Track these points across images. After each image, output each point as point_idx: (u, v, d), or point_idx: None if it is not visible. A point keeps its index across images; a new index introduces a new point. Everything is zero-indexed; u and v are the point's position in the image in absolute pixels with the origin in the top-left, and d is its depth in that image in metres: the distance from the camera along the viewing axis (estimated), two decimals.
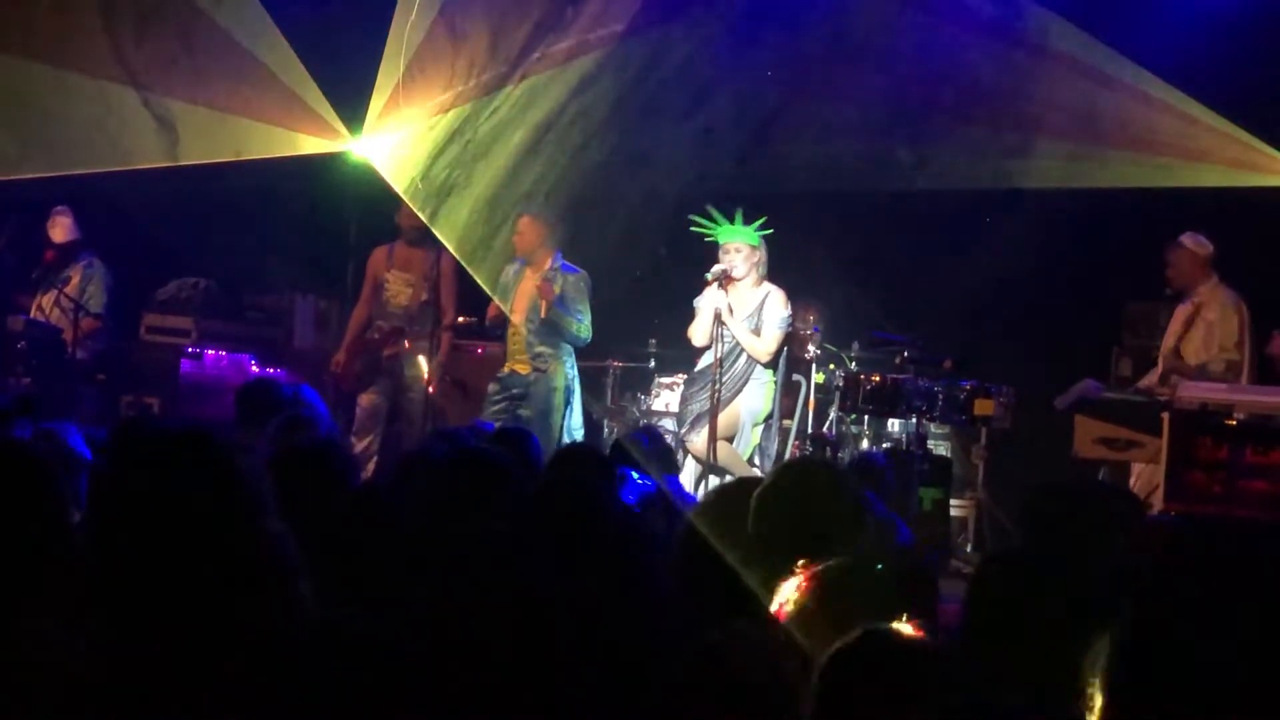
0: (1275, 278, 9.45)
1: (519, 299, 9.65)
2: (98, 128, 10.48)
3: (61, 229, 10.50)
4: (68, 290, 10.24)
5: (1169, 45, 9.59)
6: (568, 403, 9.56)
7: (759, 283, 9.12)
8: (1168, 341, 9.09)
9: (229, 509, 2.43)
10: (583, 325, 9.59)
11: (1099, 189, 10.21)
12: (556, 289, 9.48)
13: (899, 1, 10.55)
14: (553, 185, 10.82)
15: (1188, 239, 9.04)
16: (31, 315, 10.30)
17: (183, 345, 10.54)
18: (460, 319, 10.09)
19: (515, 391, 9.56)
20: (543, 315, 9.44)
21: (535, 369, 9.52)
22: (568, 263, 9.75)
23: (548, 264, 9.63)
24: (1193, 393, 7.64)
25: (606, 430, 10.89)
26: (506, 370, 9.65)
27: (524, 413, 9.48)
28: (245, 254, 11.70)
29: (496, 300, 9.78)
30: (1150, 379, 9.10)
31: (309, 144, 10.72)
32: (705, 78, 11.11)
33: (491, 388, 9.69)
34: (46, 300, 10.36)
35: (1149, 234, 9.61)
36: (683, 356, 10.07)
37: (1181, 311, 9.08)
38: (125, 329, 10.74)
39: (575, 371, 9.67)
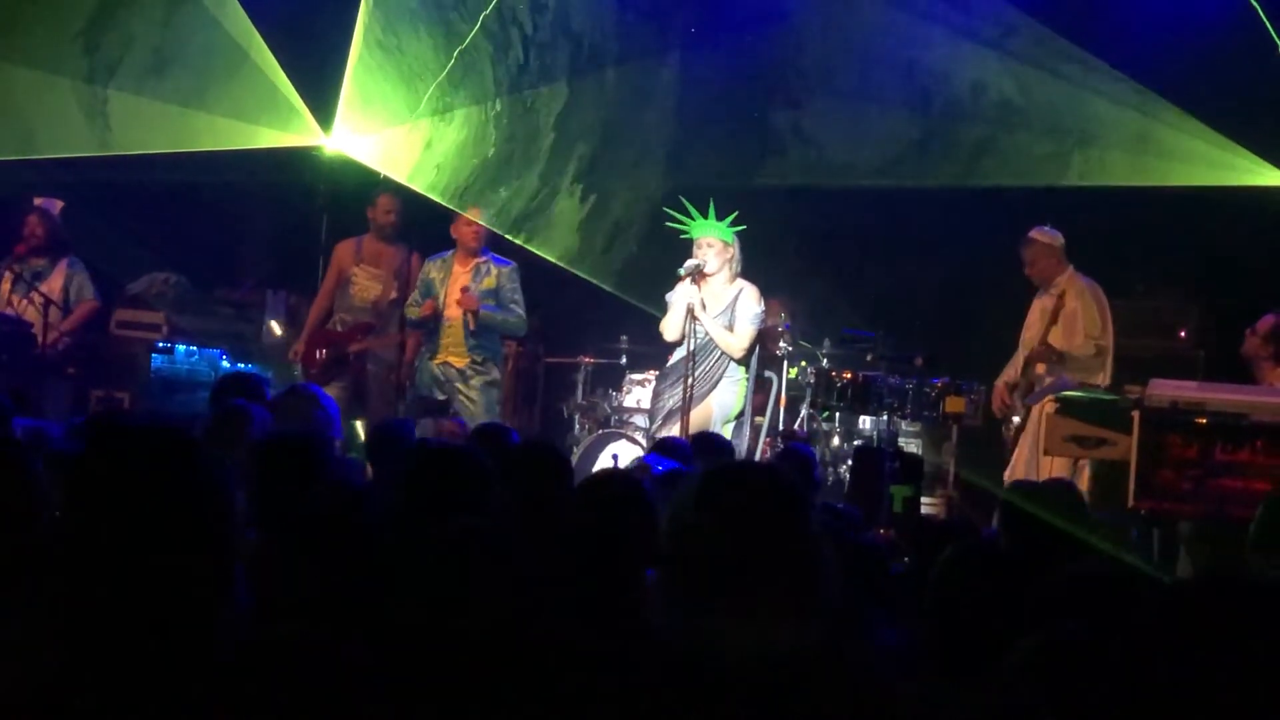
0: (1251, 275, 9.52)
1: (451, 293, 9.65)
2: (39, 117, 10.55)
3: (47, 220, 10.40)
4: (45, 290, 10.15)
5: (1140, 47, 9.65)
6: (500, 396, 9.66)
7: (732, 279, 9.10)
8: (1028, 332, 9.16)
9: (201, 515, 2.42)
10: (520, 318, 9.68)
11: (1069, 187, 10.27)
12: (484, 284, 9.56)
13: (876, 2, 10.61)
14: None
15: (1037, 233, 9.14)
16: (1, 310, 10.23)
17: (154, 340, 10.50)
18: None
19: (454, 385, 9.58)
20: (472, 327, 9.47)
21: (472, 361, 9.55)
22: (496, 254, 9.83)
23: (479, 257, 9.70)
24: (1163, 390, 7.66)
25: (578, 427, 10.89)
26: (439, 362, 9.64)
27: (465, 408, 9.48)
28: (216, 249, 11.68)
29: (414, 297, 9.75)
30: (1010, 372, 9.16)
31: (281, 138, 10.73)
32: (682, 76, 11.19)
33: (424, 378, 9.68)
34: (15, 297, 10.28)
35: (1117, 232, 9.66)
36: (654, 353, 10.09)
37: (1039, 303, 9.18)
38: (96, 324, 10.69)
39: (503, 363, 9.80)
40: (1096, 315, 8.98)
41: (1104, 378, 8.77)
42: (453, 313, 9.59)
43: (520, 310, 9.69)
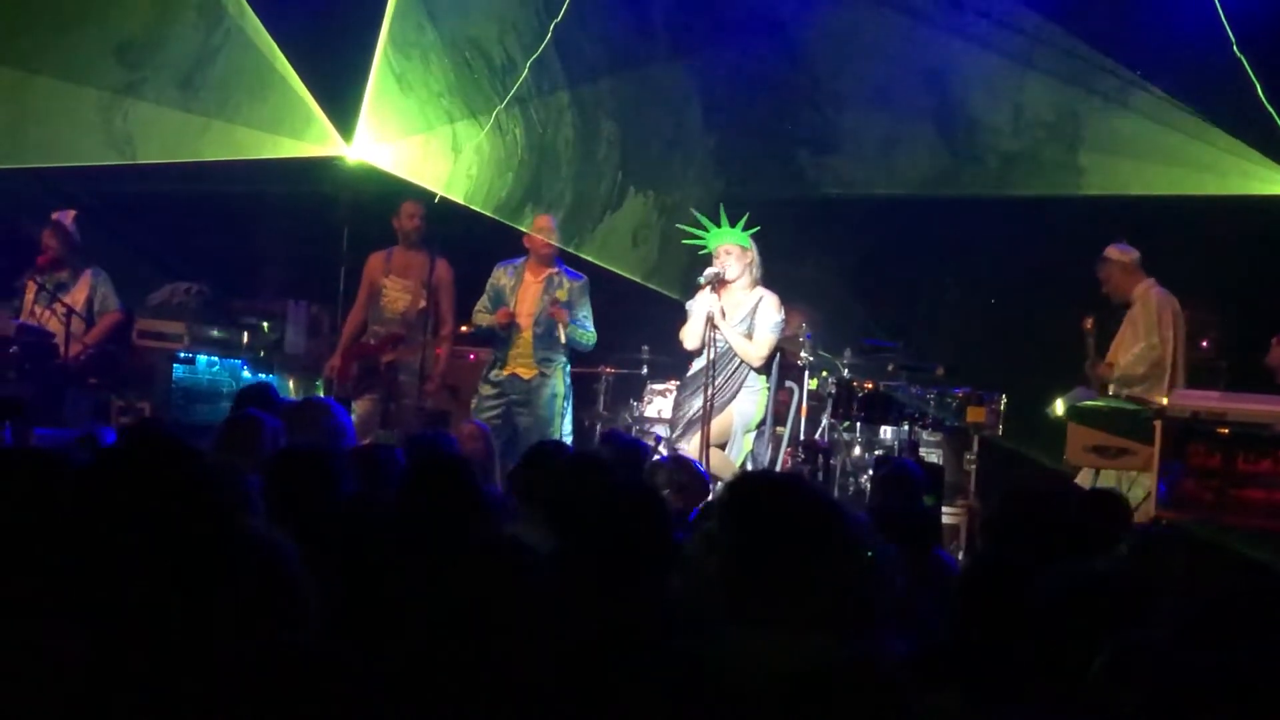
0: (1274, 285, 9.48)
1: (522, 302, 9.65)
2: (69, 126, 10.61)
3: (60, 232, 10.43)
4: (69, 301, 10.16)
5: (1161, 54, 9.61)
6: (565, 409, 9.62)
7: (752, 286, 9.10)
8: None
9: (208, 514, 2.43)
10: (590, 332, 9.67)
11: (1090, 196, 10.24)
12: (556, 295, 9.59)
13: (893, 12, 10.60)
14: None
15: (1111, 250, 9.11)
16: (23, 320, 10.25)
17: (175, 350, 10.52)
18: (463, 327, 10.13)
19: (514, 396, 9.57)
20: (562, 340, 9.48)
21: (540, 373, 9.53)
22: (570, 268, 9.82)
23: (552, 268, 9.69)
24: (1185, 400, 7.63)
25: (599, 438, 10.87)
26: (505, 373, 9.63)
27: (522, 418, 9.49)
28: (238, 259, 11.71)
29: (484, 303, 9.76)
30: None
31: (302, 148, 10.76)
32: (705, 87, 11.20)
33: (486, 390, 9.69)
34: (39, 308, 10.30)
35: (1141, 241, 9.61)
36: (675, 363, 10.08)
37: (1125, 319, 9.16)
38: (120, 335, 10.71)
39: (570, 377, 9.73)
40: (1155, 321, 8.91)
41: (1164, 392, 8.70)
42: (522, 322, 9.59)
43: (590, 325, 9.70)
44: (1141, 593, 3.14)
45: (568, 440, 9.56)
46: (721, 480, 8.29)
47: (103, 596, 2.40)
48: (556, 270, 9.74)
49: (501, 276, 9.79)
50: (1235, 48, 9.07)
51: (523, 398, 9.57)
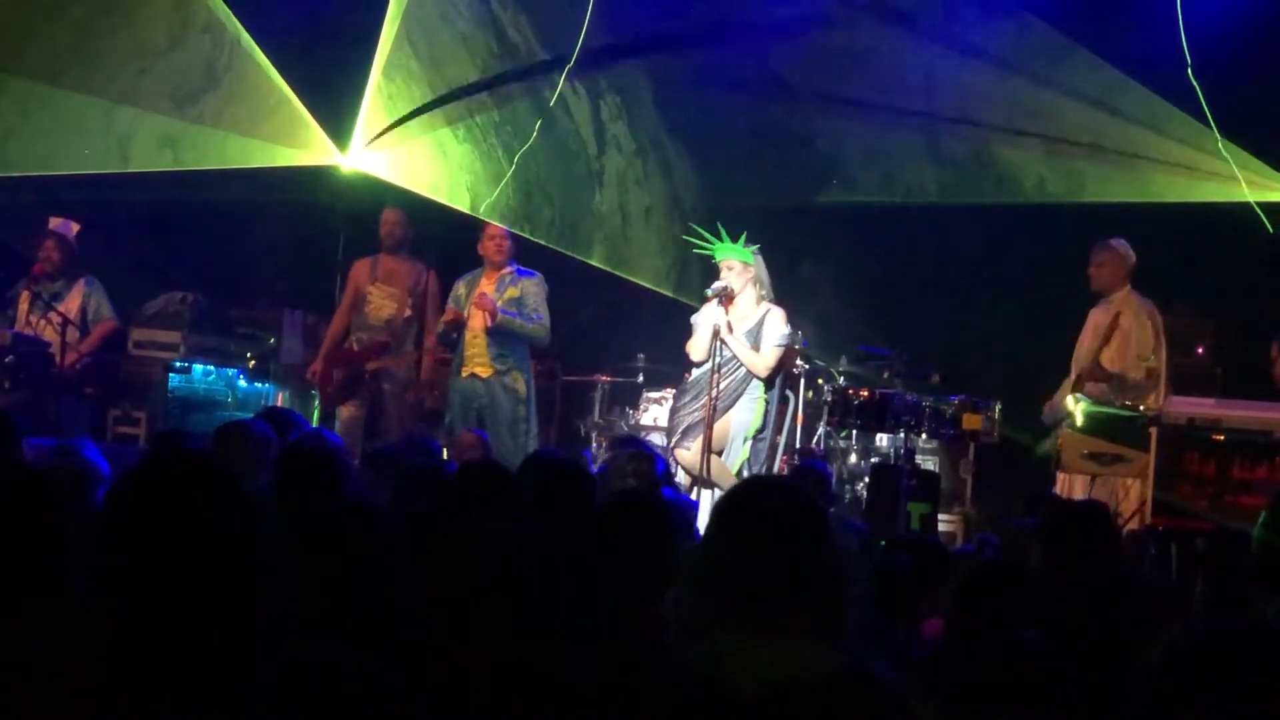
0: (1268, 292, 9.51)
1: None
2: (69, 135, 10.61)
3: (62, 244, 10.41)
4: (63, 310, 10.15)
5: (1156, 60, 9.62)
6: (528, 411, 9.64)
7: (759, 301, 9.12)
8: (1081, 348, 9.09)
9: (233, 543, 2.45)
10: (542, 326, 9.65)
11: (1086, 203, 10.26)
12: (508, 294, 9.56)
13: (889, 21, 10.62)
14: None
15: (1117, 243, 9.08)
16: (18, 329, 10.24)
17: (171, 359, 10.51)
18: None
19: (482, 400, 9.55)
20: (487, 325, 9.46)
21: (497, 372, 9.53)
22: (523, 267, 9.81)
23: (505, 271, 9.69)
24: (1180, 407, 7.65)
25: (594, 445, 10.88)
26: (465, 374, 9.63)
27: (489, 420, 9.47)
28: (234, 268, 11.71)
29: (451, 308, 9.76)
30: (1063, 391, 9.06)
31: (297, 157, 10.76)
32: (702, 94, 11.22)
33: (454, 396, 9.67)
34: (34, 317, 10.29)
35: (1135, 247, 9.64)
36: (671, 371, 10.09)
37: (1094, 319, 9.11)
38: (114, 343, 10.71)
39: (531, 377, 9.73)
40: (1150, 336, 8.91)
41: (1156, 400, 8.71)
42: (476, 324, 9.60)
43: (542, 319, 9.66)
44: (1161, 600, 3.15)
45: (533, 441, 9.57)
46: (720, 488, 8.33)
47: (131, 610, 2.41)
48: (510, 270, 9.73)
49: (460, 286, 9.82)
50: (1189, 71, 9.11)
51: (487, 400, 9.56)
